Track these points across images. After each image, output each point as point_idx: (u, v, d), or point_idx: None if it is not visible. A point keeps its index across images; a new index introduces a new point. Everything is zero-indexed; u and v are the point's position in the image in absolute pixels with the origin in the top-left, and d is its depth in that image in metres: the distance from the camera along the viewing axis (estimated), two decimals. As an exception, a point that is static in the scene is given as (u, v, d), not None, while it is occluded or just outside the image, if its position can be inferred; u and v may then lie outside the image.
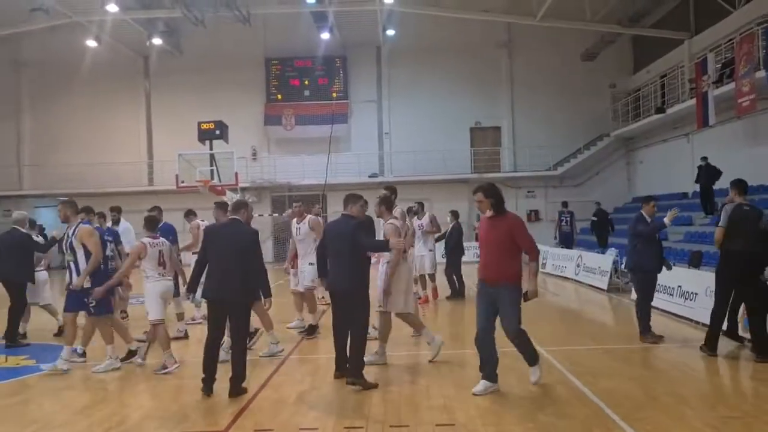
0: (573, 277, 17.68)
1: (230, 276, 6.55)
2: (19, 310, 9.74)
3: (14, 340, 9.58)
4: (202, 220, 11.40)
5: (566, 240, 22.30)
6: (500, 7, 26.31)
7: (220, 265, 6.64)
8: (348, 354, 6.91)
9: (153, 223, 8.49)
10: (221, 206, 8.47)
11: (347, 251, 6.88)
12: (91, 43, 26.81)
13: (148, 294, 8.03)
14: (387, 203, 8.07)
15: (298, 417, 5.86)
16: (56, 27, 25.72)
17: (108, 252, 8.82)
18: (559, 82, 28.47)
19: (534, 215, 29.09)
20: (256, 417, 5.91)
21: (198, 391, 6.64)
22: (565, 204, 23.14)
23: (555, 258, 20.13)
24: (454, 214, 15.21)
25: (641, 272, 9.06)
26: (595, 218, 22.16)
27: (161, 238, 8.42)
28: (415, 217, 13.55)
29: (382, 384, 6.86)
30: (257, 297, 7.21)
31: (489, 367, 6.49)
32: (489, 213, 6.43)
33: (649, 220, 9.02)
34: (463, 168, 29.11)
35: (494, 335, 6.47)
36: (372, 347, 7.76)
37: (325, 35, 26.86)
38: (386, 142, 29.92)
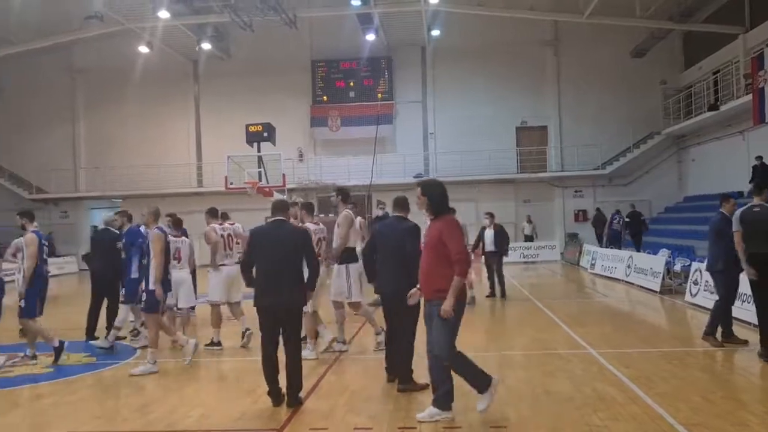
0: (623, 278, 17.34)
1: (281, 280, 6.28)
2: (97, 307, 10.15)
3: (91, 335, 10.01)
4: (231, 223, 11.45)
5: (615, 239, 21.97)
6: (546, 5, 26.04)
7: (270, 269, 6.32)
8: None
9: (178, 223, 10.10)
10: (307, 207, 9.10)
11: (399, 253, 6.75)
12: (143, 49, 27.49)
13: None
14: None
15: (352, 416, 5.90)
16: (110, 34, 26.49)
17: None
18: (607, 80, 27.99)
19: (582, 215, 28.68)
20: (311, 416, 5.98)
21: (253, 392, 6.77)
22: (617, 211, 22.94)
23: (604, 259, 19.80)
24: (491, 216, 14.94)
25: (727, 273, 8.53)
26: (627, 219, 21.96)
27: (183, 237, 9.88)
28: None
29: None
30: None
31: (439, 393, 5.66)
32: (428, 215, 5.73)
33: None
34: (508, 168, 28.87)
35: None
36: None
37: (371, 37, 27.00)
38: (431, 142, 29.88)
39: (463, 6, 25.92)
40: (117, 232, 10.25)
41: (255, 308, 6.37)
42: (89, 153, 31.26)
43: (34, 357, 8.74)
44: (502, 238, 14.55)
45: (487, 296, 14.46)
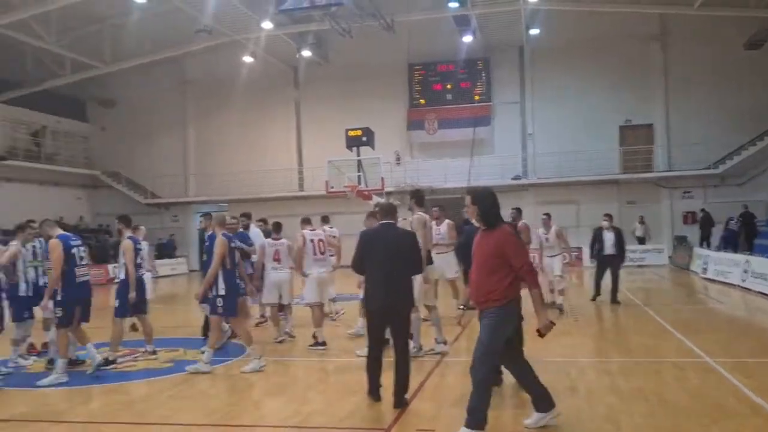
0: (739, 283, 16.37)
1: (390, 283, 6.35)
2: None
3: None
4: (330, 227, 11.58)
5: (732, 240, 20.83)
6: (652, -3, 25.02)
7: (379, 271, 6.40)
8: None
9: (278, 227, 10.57)
10: (373, 215, 8.98)
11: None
12: (247, 58, 28.63)
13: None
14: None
15: (461, 418, 5.90)
16: (216, 46, 27.71)
17: None
18: (719, 74, 26.45)
19: (691, 217, 27.28)
20: (418, 417, 6.04)
21: (359, 392, 6.89)
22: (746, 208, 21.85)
23: (718, 263, 18.75)
24: (610, 217, 14.39)
25: None
26: (740, 219, 20.79)
27: (282, 239, 10.38)
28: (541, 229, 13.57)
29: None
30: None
31: (534, 398, 5.60)
32: (481, 224, 5.53)
33: None
34: (611, 168, 27.90)
35: (523, 362, 5.71)
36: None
37: (468, 38, 26.89)
38: (530, 143, 29.34)
39: (564, 3, 25.35)
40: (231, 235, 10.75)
41: (366, 310, 6.59)
42: (197, 159, 32.84)
43: (154, 352, 9.28)
44: (622, 241, 13.96)
45: (592, 300, 14.04)
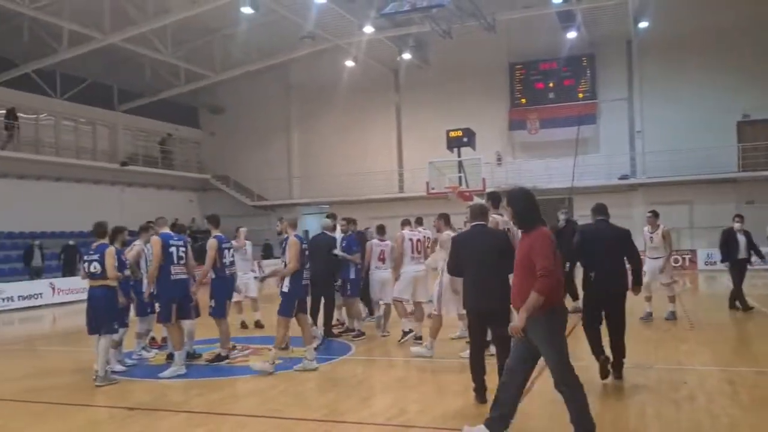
0: None
1: (486, 284, 6.33)
2: (316, 306, 10.83)
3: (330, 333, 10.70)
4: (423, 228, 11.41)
5: None
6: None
7: (475, 273, 6.43)
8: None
9: (381, 229, 11.15)
10: (444, 217, 9.26)
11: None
12: (349, 63, 29.16)
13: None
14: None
15: (565, 424, 5.74)
16: (320, 51, 28.43)
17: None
18: None
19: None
20: (523, 419, 5.91)
21: (467, 391, 6.86)
22: None
23: None
24: (741, 218, 13.03)
25: None
26: None
27: (387, 240, 10.77)
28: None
29: (647, 399, 6.47)
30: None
31: (497, 413, 5.20)
32: (517, 226, 5.32)
33: None
34: (728, 166, 26.25)
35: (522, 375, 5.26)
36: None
37: (572, 34, 26.14)
38: (638, 141, 28.16)
39: None
40: (333, 236, 11.00)
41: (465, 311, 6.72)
42: (301, 162, 33.80)
43: (287, 347, 9.42)
44: (753, 243, 12.73)
45: (744, 310, 12.59)
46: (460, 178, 23.34)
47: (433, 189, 23.99)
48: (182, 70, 29.13)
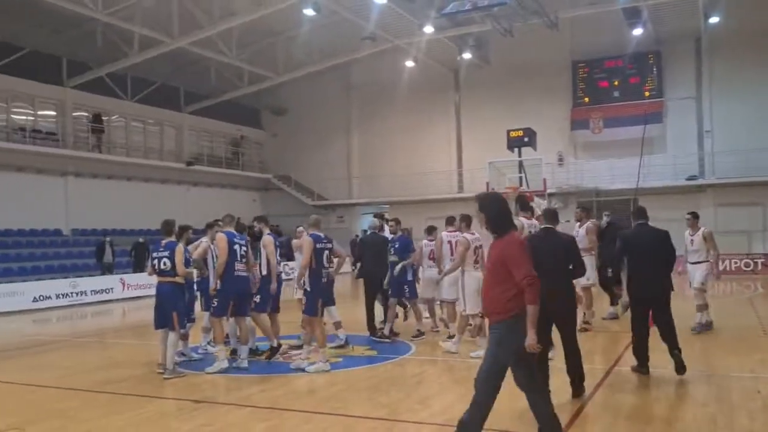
0: None
1: (553, 286, 6.24)
2: (371, 304, 10.94)
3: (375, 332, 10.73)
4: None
5: None
6: None
7: (543, 275, 6.41)
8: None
9: (431, 230, 11.15)
10: (467, 219, 9.66)
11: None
12: (409, 63, 29.16)
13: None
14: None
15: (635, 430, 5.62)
16: (380, 52, 28.49)
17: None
18: None
19: None
20: (589, 425, 5.81)
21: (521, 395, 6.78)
22: None
23: None
24: None
25: None
26: None
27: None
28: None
29: (719, 409, 6.23)
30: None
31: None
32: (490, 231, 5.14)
33: None
34: (805, 167, 25.07)
35: (542, 390, 5.25)
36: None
37: (638, 31, 25.37)
38: (707, 141, 27.16)
39: None
40: (384, 236, 11.16)
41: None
42: (361, 162, 34.02)
43: (347, 343, 9.80)
44: None
45: None
46: (520, 178, 23.03)
47: (492, 189, 23.73)
48: (246, 72, 29.73)
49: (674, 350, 7.48)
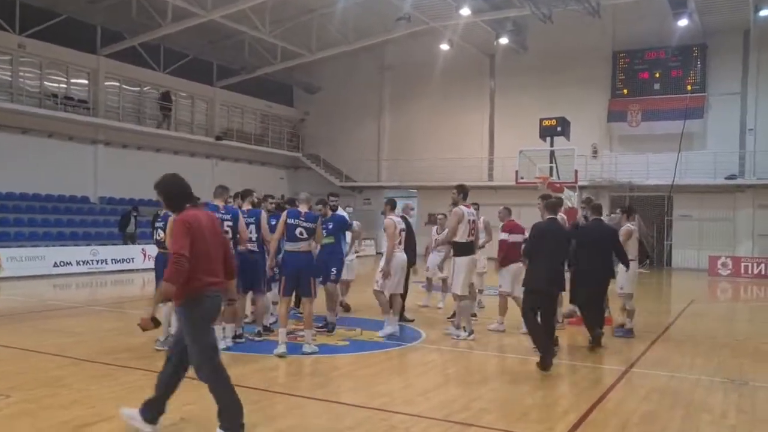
0: None
1: (554, 269, 7.87)
2: None
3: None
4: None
5: None
6: None
7: (548, 260, 7.77)
8: None
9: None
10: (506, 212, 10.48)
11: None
12: (444, 46, 28.59)
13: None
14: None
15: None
16: (415, 33, 27.95)
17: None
18: None
19: None
20: (595, 430, 5.46)
21: (536, 392, 6.49)
22: None
23: None
24: None
25: None
26: None
27: None
28: None
29: (740, 422, 5.80)
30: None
31: (151, 396, 5.01)
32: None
33: None
34: None
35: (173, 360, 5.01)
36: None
37: (683, 22, 24.41)
38: (749, 139, 26.17)
39: None
40: (410, 220, 10.84)
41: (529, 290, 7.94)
42: (391, 145, 33.65)
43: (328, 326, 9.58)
44: None
45: None
46: (551, 168, 22.40)
47: (522, 178, 23.18)
48: (279, 49, 29.47)
49: (599, 329, 8.63)
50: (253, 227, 8.83)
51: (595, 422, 5.70)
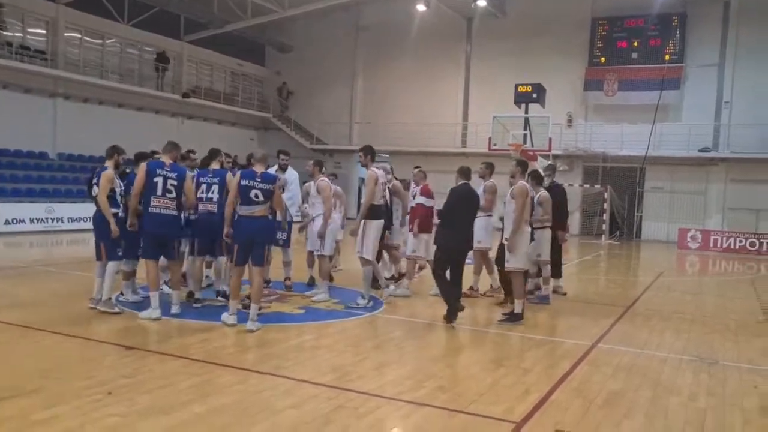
0: None
1: (468, 229, 8.53)
2: None
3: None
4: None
5: None
6: None
7: (459, 221, 8.36)
8: None
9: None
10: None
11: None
12: (421, 7, 27.88)
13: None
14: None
15: (609, 426, 4.89)
16: (391, -8, 27.21)
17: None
18: None
19: None
20: (557, 414, 5.10)
21: (497, 369, 6.20)
22: None
23: None
24: None
25: None
26: None
27: None
28: None
29: (709, 404, 5.51)
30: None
31: None
32: None
33: None
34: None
35: None
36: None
37: (664, -11, 24.08)
38: (725, 112, 26.07)
39: None
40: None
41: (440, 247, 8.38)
42: (363, 108, 33.02)
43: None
44: None
45: None
46: (525, 135, 22.06)
47: (494, 145, 22.86)
48: (250, 4, 28.46)
49: (458, 301, 8.35)
50: (216, 188, 8.33)
51: (557, 403, 5.34)
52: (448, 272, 8.46)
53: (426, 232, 9.94)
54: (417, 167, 10.49)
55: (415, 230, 9.86)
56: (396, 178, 11.05)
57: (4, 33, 23.12)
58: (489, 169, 10.09)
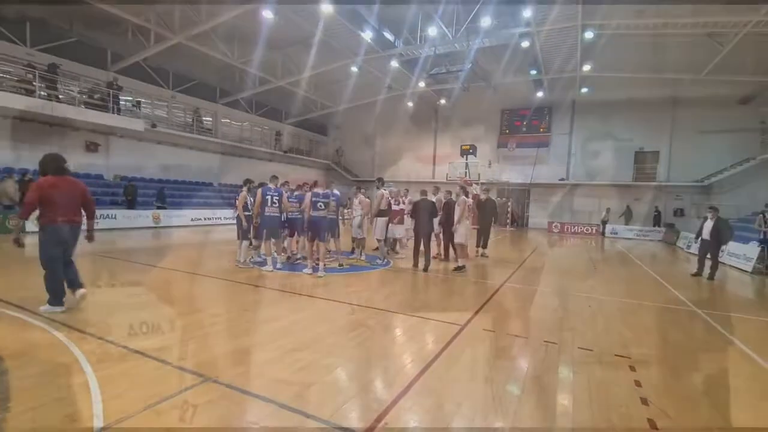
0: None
1: (425, 224, 8.25)
2: None
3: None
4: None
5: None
6: (668, 65, 20.27)
7: (420, 219, 8.22)
8: None
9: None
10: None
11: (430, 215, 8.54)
12: (409, 103, 27.74)
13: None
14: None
15: (516, 320, 5.22)
16: (393, 96, 26.82)
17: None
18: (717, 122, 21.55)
19: (680, 212, 22.93)
20: (484, 320, 5.25)
21: (451, 299, 6.41)
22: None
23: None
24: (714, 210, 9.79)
25: None
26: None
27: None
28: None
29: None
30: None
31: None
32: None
33: None
34: (626, 177, 24.11)
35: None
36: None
37: (540, 94, 24.32)
38: (572, 159, 26.12)
39: (606, 71, 21.64)
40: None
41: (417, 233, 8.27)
42: (380, 156, 32.67)
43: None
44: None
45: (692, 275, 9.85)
46: (466, 172, 22.42)
47: (450, 178, 23.16)
48: (319, 103, 28.65)
49: (427, 265, 8.09)
50: (298, 203, 8.38)
51: (483, 313, 5.48)
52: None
53: (401, 223, 9.64)
54: (385, 181, 10.29)
55: (395, 222, 9.60)
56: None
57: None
58: (438, 190, 10.09)
